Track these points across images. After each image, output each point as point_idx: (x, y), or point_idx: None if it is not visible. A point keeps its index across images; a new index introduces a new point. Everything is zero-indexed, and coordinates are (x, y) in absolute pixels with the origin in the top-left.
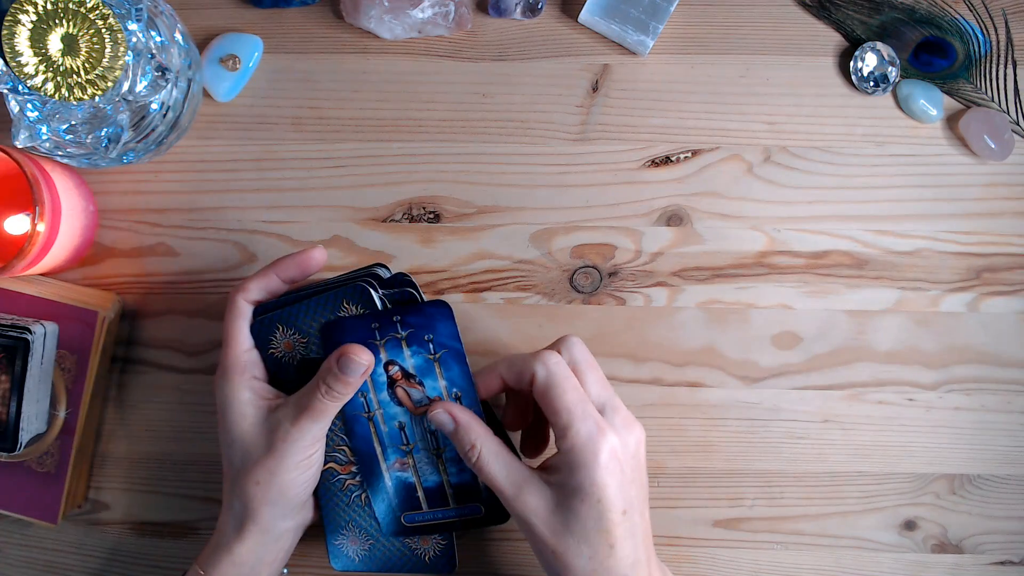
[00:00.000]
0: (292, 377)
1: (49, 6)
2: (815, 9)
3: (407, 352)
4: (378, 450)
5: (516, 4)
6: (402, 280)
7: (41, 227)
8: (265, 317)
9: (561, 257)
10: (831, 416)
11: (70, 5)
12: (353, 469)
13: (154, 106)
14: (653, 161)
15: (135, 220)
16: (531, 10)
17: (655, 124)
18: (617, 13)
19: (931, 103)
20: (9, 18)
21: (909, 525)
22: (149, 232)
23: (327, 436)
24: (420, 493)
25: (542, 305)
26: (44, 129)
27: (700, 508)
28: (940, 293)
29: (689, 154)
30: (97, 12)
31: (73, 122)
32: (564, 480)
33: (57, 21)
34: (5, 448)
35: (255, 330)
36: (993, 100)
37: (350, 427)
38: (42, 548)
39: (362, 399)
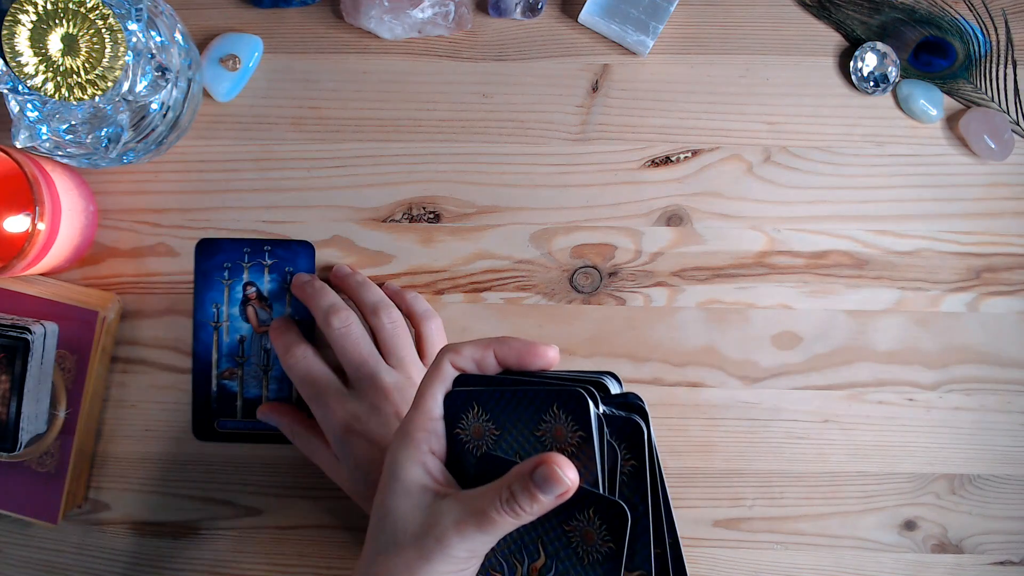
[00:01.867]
0: (470, 468)
1: (49, 6)
2: (815, 9)
3: (267, 278)
4: (214, 357)
5: (516, 4)
6: (633, 404)
7: (41, 227)
8: (463, 391)
9: (561, 257)
10: (831, 416)
11: (70, 5)
12: None
13: (154, 106)
14: (653, 161)
15: (135, 220)
16: (531, 10)
17: (655, 124)
18: (617, 13)
19: (931, 103)
20: (9, 18)
21: (909, 525)
22: (149, 232)
23: (490, 554)
24: (239, 403)
25: (542, 305)
26: (44, 129)
27: (700, 508)
28: (940, 293)
29: (689, 154)
30: (97, 12)
31: (73, 122)
32: None
33: (57, 21)
34: (5, 448)
35: (447, 401)
36: (993, 100)
37: (197, 333)
38: (42, 548)
39: (215, 309)
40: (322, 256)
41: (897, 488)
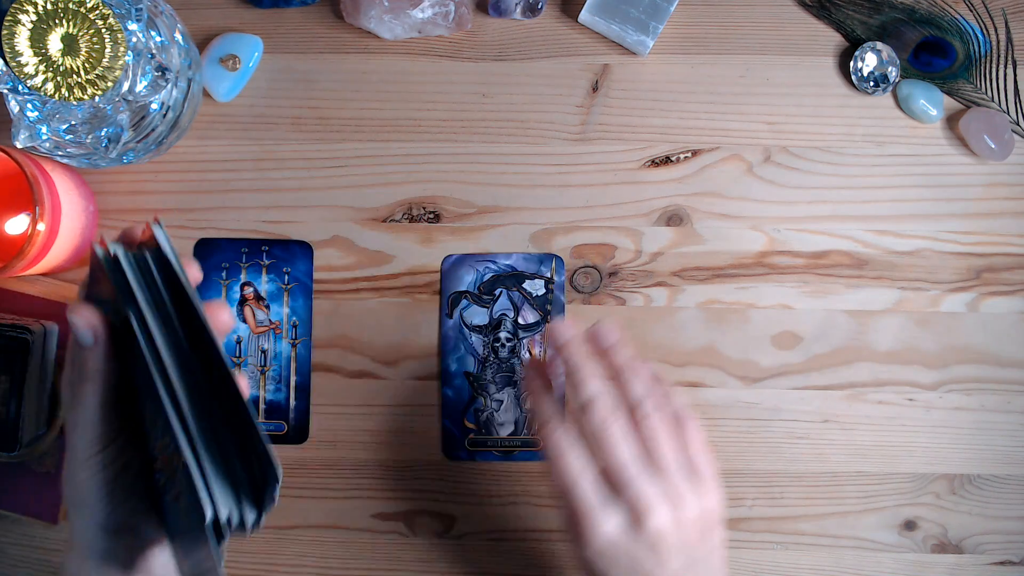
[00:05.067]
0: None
1: (49, 6)
2: (815, 9)
3: (264, 278)
4: None
5: (516, 4)
6: None
7: (41, 227)
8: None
9: (561, 257)
10: (831, 416)
11: (70, 5)
12: (159, 466)
13: (154, 106)
14: (653, 161)
15: (135, 220)
16: (531, 10)
17: (655, 124)
18: (617, 13)
19: (931, 103)
20: (9, 18)
21: (909, 525)
22: None
23: (147, 431)
24: None
25: None
26: (44, 129)
27: None
28: (940, 293)
29: (689, 154)
30: (97, 12)
31: (73, 122)
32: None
33: (57, 21)
34: (5, 448)
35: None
36: (993, 100)
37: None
38: (42, 548)
39: None
40: (322, 256)
41: (897, 488)
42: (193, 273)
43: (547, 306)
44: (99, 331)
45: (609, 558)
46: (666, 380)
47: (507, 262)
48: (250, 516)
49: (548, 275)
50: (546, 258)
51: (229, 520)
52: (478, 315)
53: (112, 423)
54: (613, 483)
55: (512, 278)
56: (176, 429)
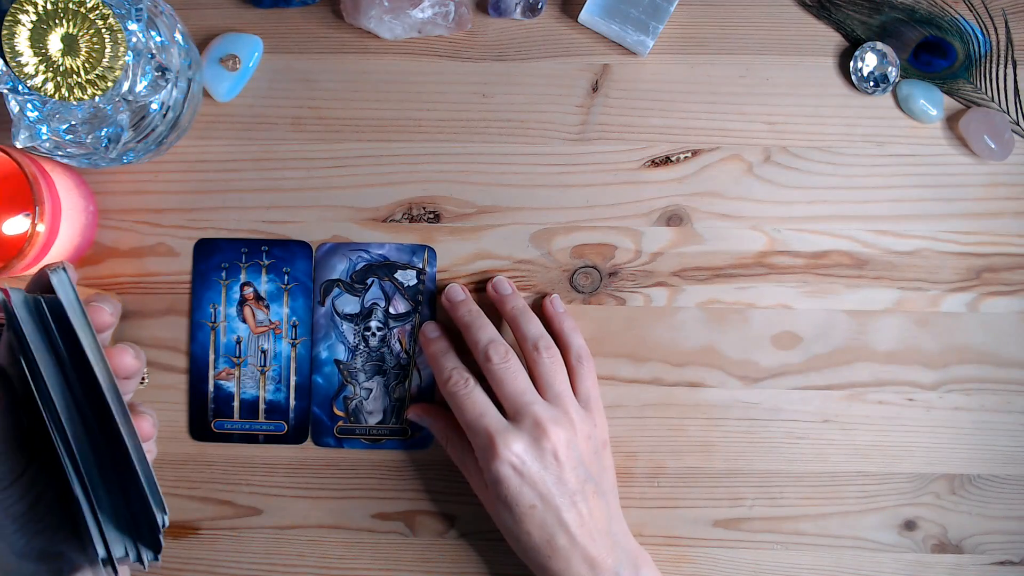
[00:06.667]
0: None
1: (49, 6)
2: (815, 9)
3: (264, 278)
4: (211, 357)
5: (516, 4)
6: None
7: (41, 227)
8: None
9: (561, 257)
10: (831, 416)
11: (70, 5)
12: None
13: (154, 106)
14: (653, 161)
15: (135, 220)
16: (531, 10)
17: (655, 124)
18: (617, 13)
19: (931, 103)
20: (9, 18)
21: (909, 525)
22: (149, 232)
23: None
24: (236, 403)
25: None
26: (44, 129)
27: (700, 508)
28: (940, 293)
29: (689, 154)
30: (97, 12)
31: (73, 122)
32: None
33: (57, 21)
34: None
35: None
36: (993, 100)
37: (194, 333)
38: None
39: (212, 310)
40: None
41: (897, 488)
42: (104, 318)
43: (418, 296)
44: None
45: (518, 473)
46: (571, 322)
47: (380, 252)
48: (146, 555)
49: (420, 266)
50: (418, 249)
51: (125, 554)
52: (350, 304)
53: (18, 459)
54: (512, 412)
55: (384, 268)
56: (68, 470)
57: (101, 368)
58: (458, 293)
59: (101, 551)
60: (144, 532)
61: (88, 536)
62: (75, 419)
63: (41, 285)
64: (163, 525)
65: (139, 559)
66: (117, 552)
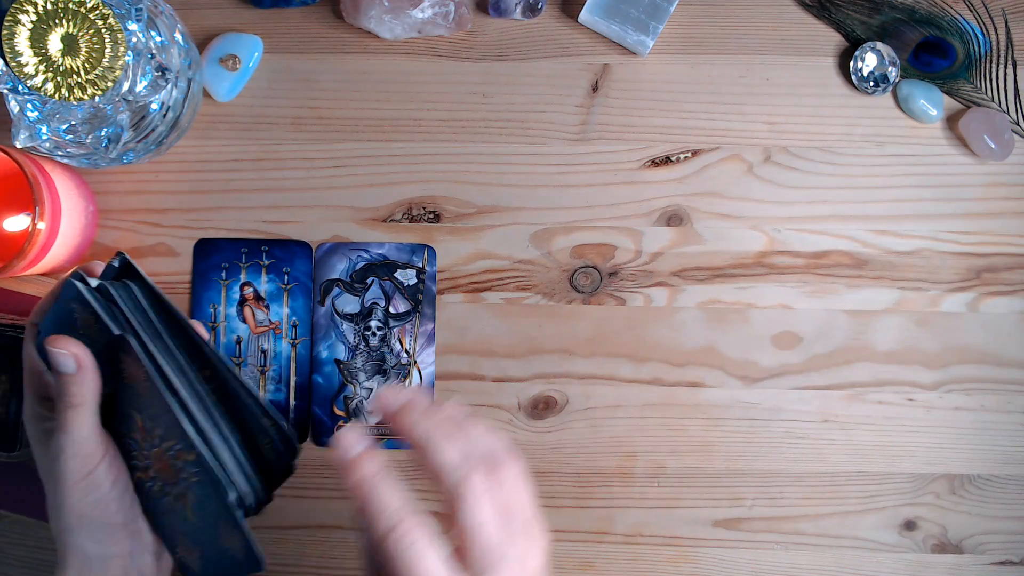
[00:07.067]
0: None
1: (49, 6)
2: (815, 9)
3: (264, 278)
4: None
5: (516, 4)
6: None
7: (41, 227)
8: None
9: (561, 257)
10: (831, 416)
11: (70, 5)
12: (152, 473)
13: (154, 106)
14: (653, 161)
15: (135, 220)
16: (531, 10)
17: (655, 124)
18: (617, 13)
19: (931, 103)
20: (9, 18)
21: (909, 525)
22: (149, 232)
23: (128, 444)
24: None
25: (542, 305)
26: (44, 129)
27: (700, 508)
28: (940, 293)
29: (689, 154)
30: (97, 12)
31: (73, 122)
32: None
33: (57, 21)
34: (5, 448)
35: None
36: (993, 100)
37: None
38: (42, 548)
39: (212, 310)
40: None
41: (897, 488)
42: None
43: (418, 296)
44: (83, 359)
45: None
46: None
47: (379, 251)
48: (262, 495)
49: (420, 265)
50: (418, 248)
51: (247, 500)
52: (350, 303)
53: (101, 443)
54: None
55: (384, 267)
56: (188, 429)
57: (195, 332)
58: (391, 399)
59: (232, 494)
60: (257, 477)
61: (209, 488)
62: (188, 386)
63: (90, 274)
64: (287, 429)
65: (255, 503)
66: (247, 496)
